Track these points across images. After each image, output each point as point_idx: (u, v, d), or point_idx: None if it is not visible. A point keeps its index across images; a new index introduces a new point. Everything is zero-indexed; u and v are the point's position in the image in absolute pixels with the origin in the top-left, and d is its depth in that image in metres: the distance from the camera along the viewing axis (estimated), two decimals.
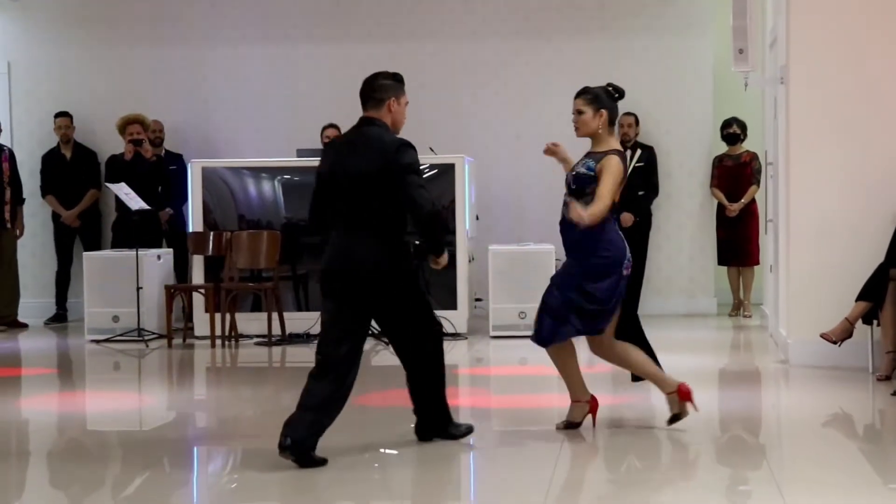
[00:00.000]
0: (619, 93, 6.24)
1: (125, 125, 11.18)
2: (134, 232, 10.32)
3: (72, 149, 11.66)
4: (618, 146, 6.24)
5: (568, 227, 6.15)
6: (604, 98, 6.17)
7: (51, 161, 11.65)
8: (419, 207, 5.72)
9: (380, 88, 5.89)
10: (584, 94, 6.20)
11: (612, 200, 6.09)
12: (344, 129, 11.61)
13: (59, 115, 11.62)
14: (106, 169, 11.40)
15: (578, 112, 6.17)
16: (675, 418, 6.26)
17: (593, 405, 6.31)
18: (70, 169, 11.61)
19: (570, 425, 6.26)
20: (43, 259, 11.87)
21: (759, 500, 5.18)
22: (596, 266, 6.10)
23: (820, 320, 8.01)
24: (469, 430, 6.09)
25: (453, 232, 10.21)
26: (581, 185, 6.14)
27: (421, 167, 5.88)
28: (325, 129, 11.43)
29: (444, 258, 5.95)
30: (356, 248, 5.72)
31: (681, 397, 6.24)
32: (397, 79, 5.99)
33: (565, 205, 6.18)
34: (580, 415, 6.28)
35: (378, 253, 5.73)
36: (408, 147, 5.81)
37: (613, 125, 6.23)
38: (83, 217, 11.60)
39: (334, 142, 6.21)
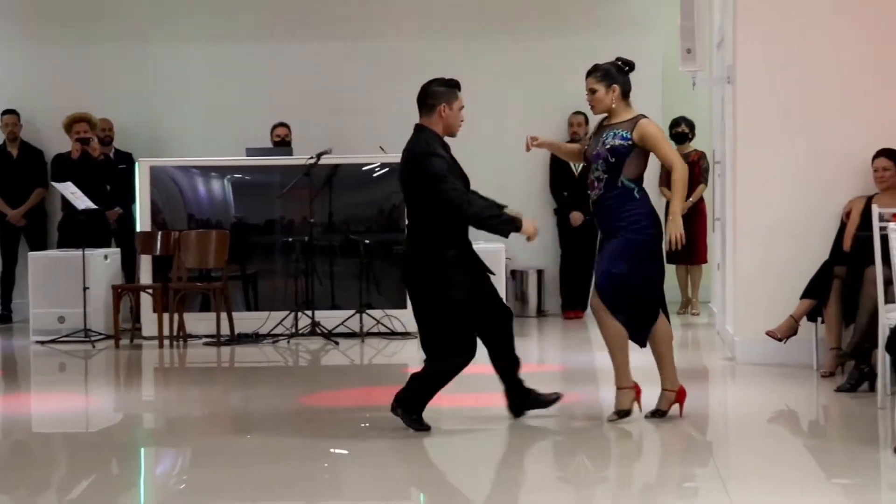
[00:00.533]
0: (628, 65, 6.38)
1: (71, 124, 11.08)
2: (80, 231, 10.23)
3: (18, 147, 11.53)
4: (638, 112, 6.37)
5: (604, 207, 6.27)
6: (614, 73, 6.34)
7: None
8: (457, 210, 6.05)
9: (432, 95, 6.21)
10: (595, 72, 6.34)
11: (681, 166, 6.27)
12: (293, 128, 11.68)
13: (5, 112, 11.49)
14: (52, 168, 11.30)
15: (591, 91, 6.29)
16: (625, 414, 6.32)
17: (637, 392, 6.40)
18: (16, 167, 11.48)
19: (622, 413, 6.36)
20: None
21: (705, 496, 5.22)
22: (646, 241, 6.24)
23: (766, 318, 8.06)
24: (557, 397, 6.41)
25: (403, 230, 10.22)
26: (620, 157, 6.25)
27: (440, 172, 6.12)
28: (274, 127, 11.40)
29: (527, 227, 6.18)
30: (407, 246, 6.27)
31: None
32: (450, 84, 6.27)
33: (595, 182, 6.28)
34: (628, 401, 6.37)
35: (415, 253, 6.15)
36: (431, 156, 6.09)
37: (627, 97, 6.37)
38: (29, 216, 11.48)
39: None
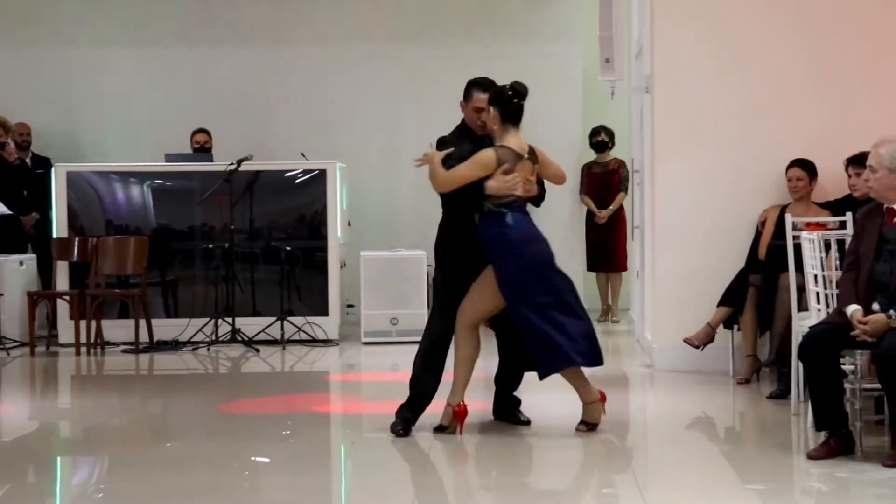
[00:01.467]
0: (514, 92, 6.38)
1: None
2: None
3: None
4: (509, 142, 6.28)
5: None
6: (496, 97, 6.38)
7: None
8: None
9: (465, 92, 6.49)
10: (487, 91, 6.48)
11: (455, 180, 6.19)
12: (214, 135, 11.57)
13: None
14: None
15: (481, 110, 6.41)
16: (441, 429, 6.33)
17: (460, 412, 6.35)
18: None
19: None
20: None
21: (623, 502, 5.25)
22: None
23: (683, 325, 8.16)
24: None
25: (325, 237, 10.20)
26: None
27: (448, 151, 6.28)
28: (194, 133, 11.32)
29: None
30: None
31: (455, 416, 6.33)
32: (470, 83, 6.57)
33: None
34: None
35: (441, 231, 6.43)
36: (441, 142, 6.35)
37: (508, 123, 6.33)
38: None
39: None
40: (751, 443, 6.63)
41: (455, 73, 11.99)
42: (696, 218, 8.37)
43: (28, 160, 11.21)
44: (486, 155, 6.21)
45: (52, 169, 10.43)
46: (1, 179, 10.55)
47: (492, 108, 6.31)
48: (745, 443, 6.66)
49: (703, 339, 8.07)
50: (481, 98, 6.38)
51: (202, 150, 11.05)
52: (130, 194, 10.50)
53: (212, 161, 10.49)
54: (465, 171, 6.20)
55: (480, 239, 6.24)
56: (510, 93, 6.35)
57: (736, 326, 8.01)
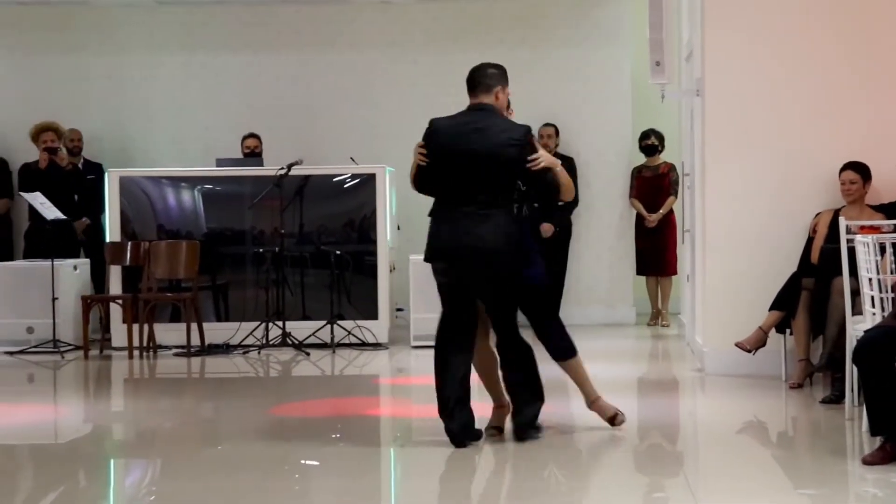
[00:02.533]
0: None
1: (38, 133, 11.04)
2: (48, 242, 10.18)
3: None
4: None
5: None
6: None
7: None
8: (554, 186, 6.29)
9: (489, 76, 6.13)
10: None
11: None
12: (264, 139, 11.65)
13: None
14: (19, 177, 11.23)
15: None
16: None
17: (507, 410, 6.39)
18: None
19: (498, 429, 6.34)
20: None
21: None
22: None
23: (735, 329, 8.11)
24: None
25: (374, 241, 10.23)
26: None
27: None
28: (244, 138, 11.39)
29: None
30: (485, 226, 6.03)
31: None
32: (503, 70, 6.21)
33: None
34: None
35: (502, 232, 6.06)
36: (530, 133, 6.18)
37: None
38: None
39: (443, 123, 6.20)
40: (804, 448, 6.59)
41: None
42: (747, 221, 8.33)
43: (80, 165, 11.34)
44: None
45: (105, 174, 10.54)
46: (53, 184, 10.68)
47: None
48: (797, 448, 6.62)
49: (755, 344, 8.03)
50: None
51: (252, 155, 11.13)
52: (182, 199, 10.59)
53: (262, 165, 10.56)
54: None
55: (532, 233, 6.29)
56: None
57: (788, 330, 7.96)
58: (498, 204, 6.05)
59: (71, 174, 11.01)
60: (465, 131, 6.05)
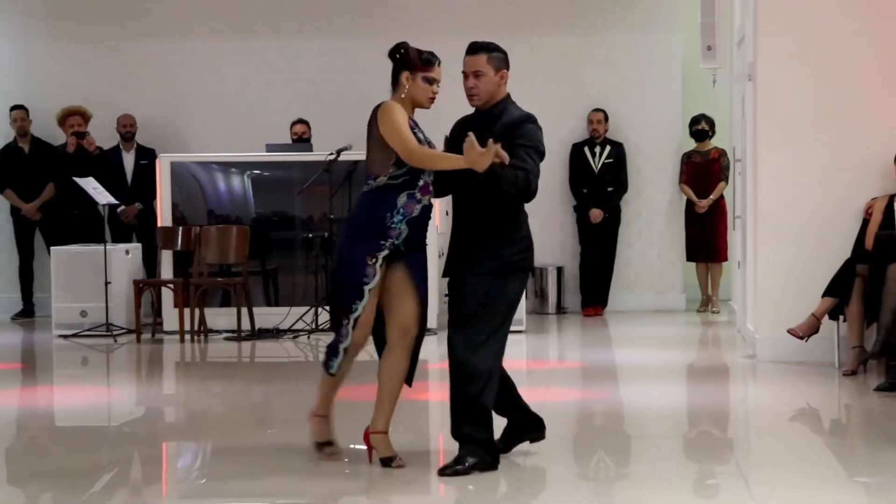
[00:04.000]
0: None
1: (65, 117, 11.14)
2: (74, 225, 10.41)
3: (29, 142, 11.57)
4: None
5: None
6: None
7: (8, 155, 11.54)
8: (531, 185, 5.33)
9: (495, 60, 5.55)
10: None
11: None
12: (313, 125, 11.64)
13: (14, 107, 11.53)
14: (49, 160, 11.30)
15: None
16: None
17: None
18: (28, 162, 11.51)
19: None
20: (10, 253, 11.81)
21: (726, 493, 5.23)
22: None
23: (787, 316, 8.08)
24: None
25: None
26: None
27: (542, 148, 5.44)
28: (293, 124, 11.45)
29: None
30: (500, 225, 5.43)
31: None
32: (504, 53, 5.64)
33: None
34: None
35: (521, 230, 5.43)
36: (533, 123, 5.46)
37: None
38: (42, 210, 11.50)
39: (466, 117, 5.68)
40: (857, 435, 6.56)
41: (552, 65, 12.05)
42: (799, 207, 8.29)
43: (133, 151, 11.45)
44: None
45: (157, 159, 10.62)
46: (79, 168, 10.70)
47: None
48: (851, 436, 6.59)
49: (808, 330, 8.00)
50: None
51: (301, 141, 11.18)
52: (231, 184, 10.68)
53: (311, 151, 10.61)
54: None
55: None
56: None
57: (841, 317, 7.93)
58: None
59: (97, 158, 11.09)
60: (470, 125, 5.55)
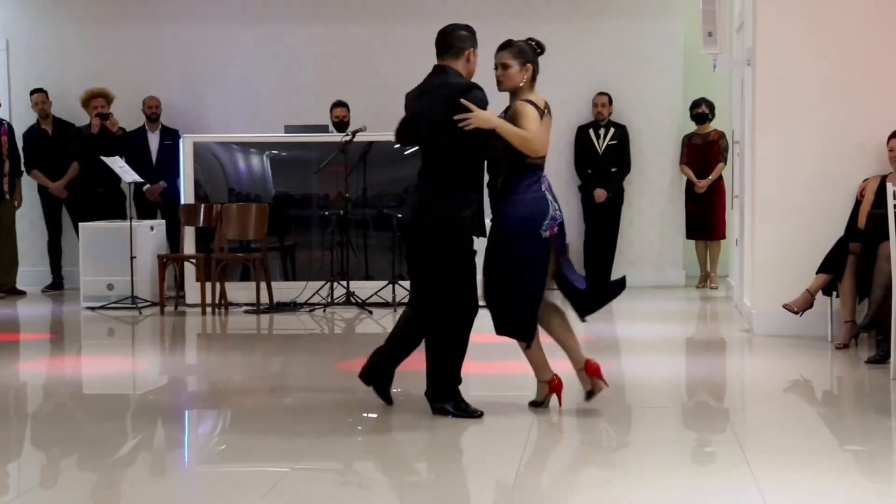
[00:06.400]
0: (541, 48, 5.99)
1: (89, 99, 11.22)
2: (99, 203, 10.64)
3: (51, 123, 11.70)
4: (534, 98, 5.93)
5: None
6: (529, 52, 5.93)
7: (32, 137, 11.70)
8: (490, 149, 5.75)
9: (459, 39, 5.92)
10: (509, 47, 5.96)
11: (537, 139, 5.76)
12: (352, 106, 11.56)
13: (34, 91, 11.63)
14: (72, 141, 11.45)
15: (504, 66, 5.91)
16: (590, 394, 6.08)
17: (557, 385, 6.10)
18: (52, 143, 11.65)
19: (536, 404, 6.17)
20: (41, 229, 11.97)
21: (723, 460, 5.32)
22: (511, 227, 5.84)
23: (782, 292, 8.20)
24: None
25: None
26: None
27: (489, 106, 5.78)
28: (333, 107, 11.39)
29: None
30: (423, 192, 5.88)
31: (589, 372, 6.04)
32: (472, 31, 6.00)
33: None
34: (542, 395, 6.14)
35: (440, 200, 5.79)
36: (476, 89, 5.77)
37: (535, 80, 5.96)
38: (69, 188, 11.68)
39: (413, 90, 6.06)
40: (849, 406, 6.64)
41: (557, 50, 12.04)
42: (795, 187, 8.38)
43: (158, 132, 11.62)
44: (532, 110, 5.81)
45: (181, 140, 10.81)
46: (102, 149, 10.84)
47: (527, 65, 5.88)
48: (843, 406, 6.67)
49: (802, 305, 8.12)
50: (501, 55, 5.94)
51: (341, 125, 11.13)
52: (251, 164, 10.82)
53: (327, 132, 10.76)
54: (540, 128, 5.81)
55: (519, 202, 5.82)
56: (539, 49, 6.00)
57: (835, 293, 8.03)
58: (439, 167, 5.80)
59: (119, 139, 11.25)
60: (414, 95, 5.94)
